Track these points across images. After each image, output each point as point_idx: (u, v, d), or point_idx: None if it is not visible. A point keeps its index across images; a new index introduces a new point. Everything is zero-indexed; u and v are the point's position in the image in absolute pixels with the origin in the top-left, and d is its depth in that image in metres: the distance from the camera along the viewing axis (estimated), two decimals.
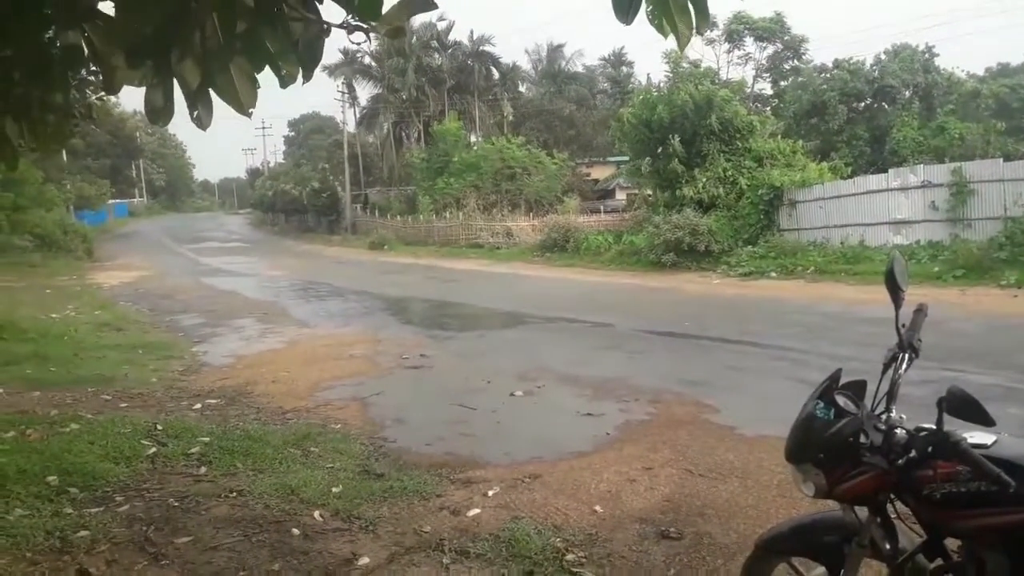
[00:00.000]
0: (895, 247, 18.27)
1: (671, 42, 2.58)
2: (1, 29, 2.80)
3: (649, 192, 27.18)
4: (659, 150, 23.51)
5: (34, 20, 2.82)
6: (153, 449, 5.93)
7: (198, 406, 7.80)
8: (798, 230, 21.42)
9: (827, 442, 2.18)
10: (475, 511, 4.73)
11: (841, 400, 2.25)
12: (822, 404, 2.24)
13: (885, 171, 21.41)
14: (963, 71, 37.35)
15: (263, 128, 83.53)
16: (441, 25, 51.19)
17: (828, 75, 35.61)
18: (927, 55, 35.55)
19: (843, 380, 2.30)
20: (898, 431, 2.14)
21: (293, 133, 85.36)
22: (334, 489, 5.09)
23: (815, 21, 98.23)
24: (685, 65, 25.94)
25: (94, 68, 3.70)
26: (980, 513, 1.98)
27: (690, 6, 2.72)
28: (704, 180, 22.84)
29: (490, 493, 5.08)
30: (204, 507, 4.81)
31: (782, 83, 43.16)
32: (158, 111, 2.94)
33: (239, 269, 28.07)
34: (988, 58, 77.74)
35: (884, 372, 2.29)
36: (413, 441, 6.43)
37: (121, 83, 3.24)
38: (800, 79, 38.95)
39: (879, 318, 11.81)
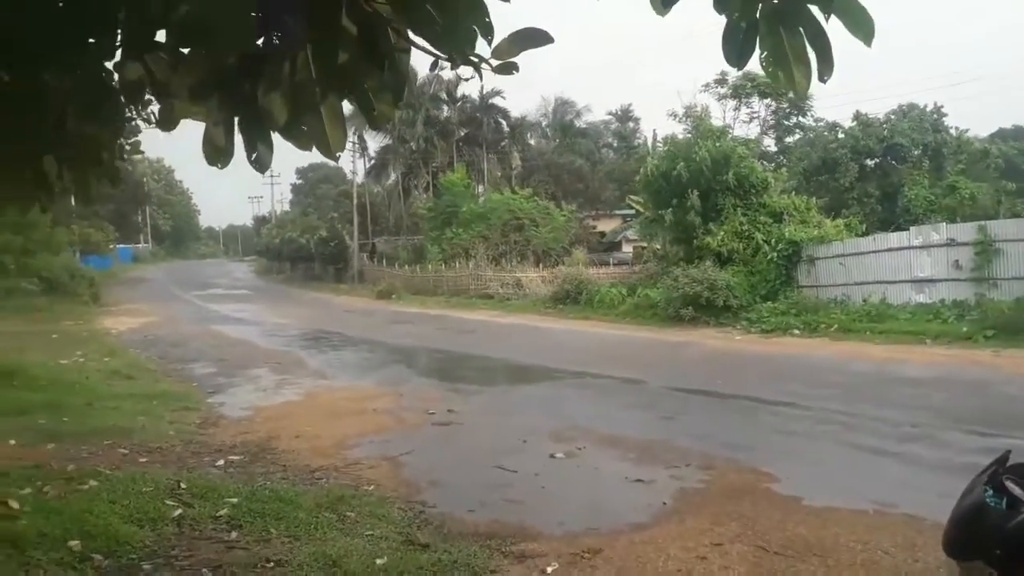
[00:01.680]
0: (919, 305, 18.01)
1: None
2: (57, 59, 2.52)
3: (658, 246, 27.03)
4: (675, 202, 23.39)
5: (94, 50, 2.53)
6: (179, 511, 5.50)
7: (221, 462, 7.40)
8: (817, 287, 21.13)
9: (1009, 537, 1.86)
10: None
11: (1011, 486, 1.93)
12: (991, 492, 1.93)
13: (899, 229, 21.16)
14: (958, 130, 37.50)
15: (272, 176, 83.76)
16: (449, 76, 51.72)
17: (839, 132, 35.81)
18: (936, 115, 35.84)
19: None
20: None
21: (301, 181, 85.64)
22: (378, 561, 4.71)
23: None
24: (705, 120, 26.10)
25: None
26: None
27: (810, 53, 2.45)
28: (722, 234, 22.68)
29: (548, 570, 4.70)
30: None
31: (787, 139, 43.51)
32: (219, 150, 2.64)
33: (248, 317, 27.74)
34: (996, 119, 78.51)
35: None
36: (454, 506, 6.03)
37: (180, 118, 2.96)
38: (809, 136, 39.18)
39: (916, 378, 11.62)
